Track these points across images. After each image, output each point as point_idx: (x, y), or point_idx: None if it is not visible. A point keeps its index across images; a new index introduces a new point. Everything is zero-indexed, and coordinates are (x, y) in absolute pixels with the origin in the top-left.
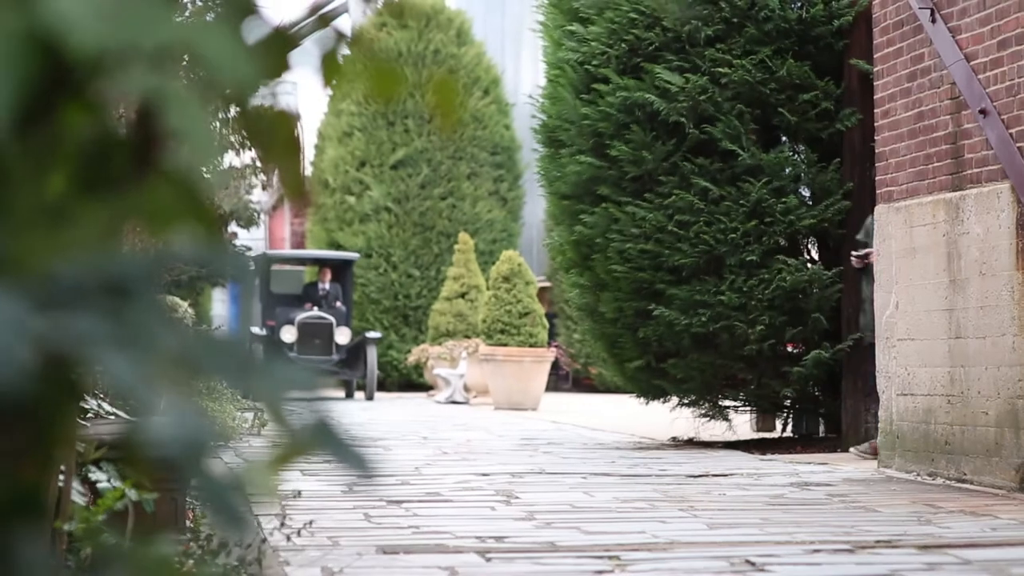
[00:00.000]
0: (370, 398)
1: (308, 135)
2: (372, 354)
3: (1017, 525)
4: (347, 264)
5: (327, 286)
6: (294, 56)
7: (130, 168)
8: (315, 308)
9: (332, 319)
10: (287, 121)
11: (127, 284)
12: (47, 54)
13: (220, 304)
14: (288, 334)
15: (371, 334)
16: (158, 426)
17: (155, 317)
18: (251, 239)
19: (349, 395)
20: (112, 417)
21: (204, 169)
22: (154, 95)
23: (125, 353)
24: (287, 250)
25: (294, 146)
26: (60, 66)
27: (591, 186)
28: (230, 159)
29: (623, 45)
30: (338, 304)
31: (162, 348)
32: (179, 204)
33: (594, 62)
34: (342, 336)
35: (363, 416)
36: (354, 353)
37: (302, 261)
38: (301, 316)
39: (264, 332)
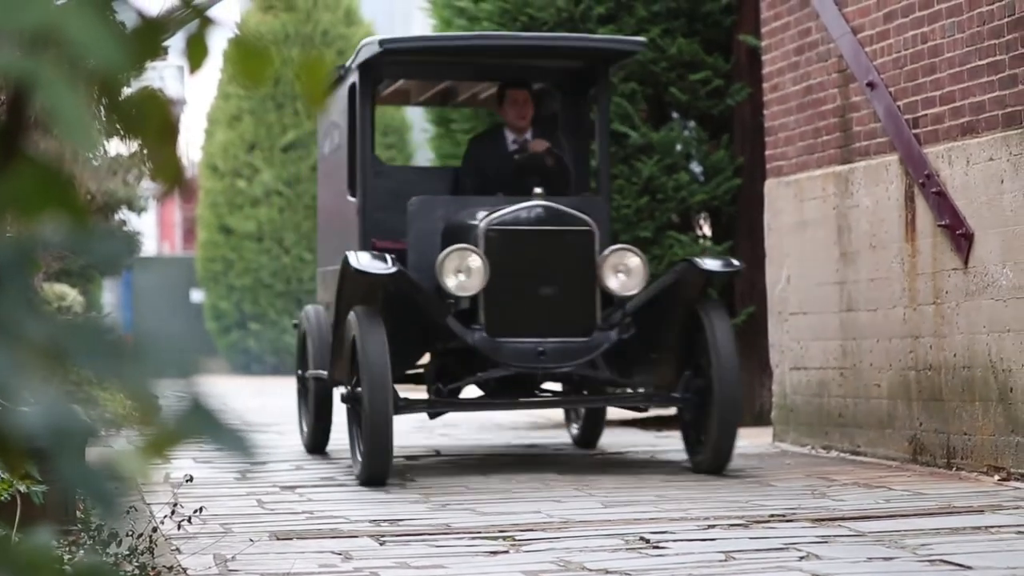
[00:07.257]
0: (723, 458)
1: (197, 119)
2: (722, 326)
3: (910, 496)
4: (609, 63)
5: (528, 135)
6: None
7: None
8: (536, 192)
9: (591, 220)
10: (160, 105)
11: None
12: None
13: (110, 293)
14: (456, 273)
15: (708, 262)
16: (29, 416)
17: (24, 305)
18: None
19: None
20: None
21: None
22: (25, 77)
23: None
24: (420, 34)
25: (168, 131)
26: None
27: None
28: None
29: (517, 24)
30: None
31: (30, 337)
32: (45, 191)
33: None
34: (621, 274)
35: (254, 401)
36: (656, 320)
37: (467, 55)
38: (493, 217)
39: (377, 267)
